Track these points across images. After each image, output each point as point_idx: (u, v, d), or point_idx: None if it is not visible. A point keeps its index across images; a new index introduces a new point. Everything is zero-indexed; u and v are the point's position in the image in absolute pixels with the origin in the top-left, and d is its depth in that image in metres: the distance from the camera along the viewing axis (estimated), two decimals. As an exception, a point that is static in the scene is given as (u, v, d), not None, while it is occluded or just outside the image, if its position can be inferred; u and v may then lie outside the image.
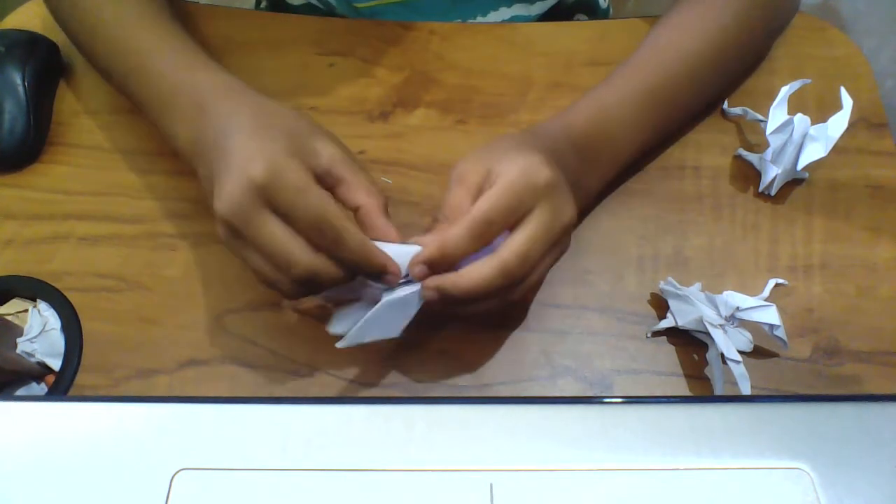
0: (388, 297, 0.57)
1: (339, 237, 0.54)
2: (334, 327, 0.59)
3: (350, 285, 0.58)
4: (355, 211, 0.58)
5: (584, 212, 0.72)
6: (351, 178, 0.58)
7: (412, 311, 0.59)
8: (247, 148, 0.55)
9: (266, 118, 0.58)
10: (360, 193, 0.58)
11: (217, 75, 0.66)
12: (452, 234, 0.55)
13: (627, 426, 0.42)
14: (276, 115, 0.59)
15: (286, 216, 0.54)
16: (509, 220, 0.56)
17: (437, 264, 0.56)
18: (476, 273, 0.55)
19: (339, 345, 0.58)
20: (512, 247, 0.55)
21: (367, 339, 0.59)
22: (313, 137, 0.58)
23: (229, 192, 0.54)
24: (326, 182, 0.58)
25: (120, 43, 0.69)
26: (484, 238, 0.55)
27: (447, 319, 0.67)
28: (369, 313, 0.57)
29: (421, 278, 0.56)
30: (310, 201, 0.54)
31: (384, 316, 0.58)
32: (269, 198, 0.53)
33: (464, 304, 0.57)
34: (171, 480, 0.40)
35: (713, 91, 0.77)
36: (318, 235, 0.54)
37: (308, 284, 0.56)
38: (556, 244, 0.58)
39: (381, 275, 0.56)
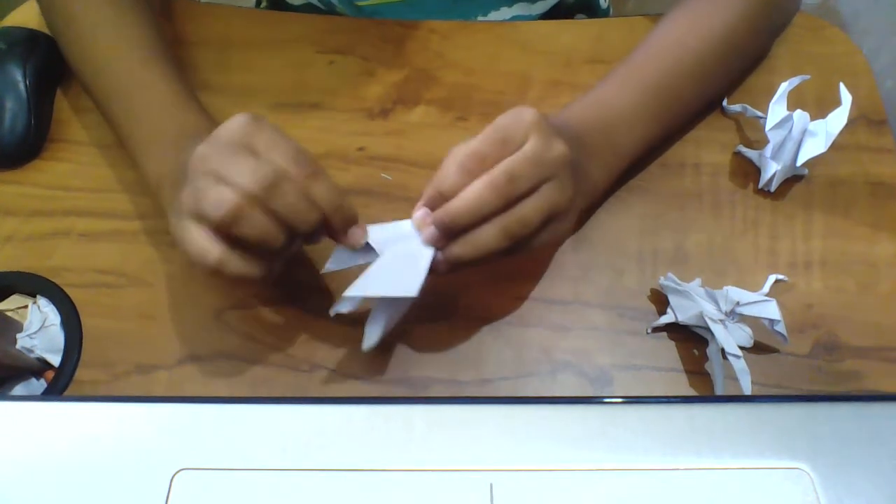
0: (391, 247, 0.58)
1: (317, 168, 0.56)
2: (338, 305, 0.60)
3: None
4: None
5: (591, 207, 0.72)
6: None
7: (423, 263, 0.58)
8: None
9: None
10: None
11: (200, 118, 0.69)
12: (443, 169, 0.57)
13: (627, 426, 0.42)
14: None
15: (269, 150, 0.55)
16: (499, 154, 0.56)
17: (435, 201, 0.57)
18: (466, 192, 0.55)
19: (346, 293, 0.57)
20: (500, 165, 0.55)
21: (375, 291, 0.58)
22: None
23: (219, 127, 0.56)
24: None
25: (109, 72, 0.71)
26: (474, 171, 0.56)
27: (448, 314, 0.68)
28: (374, 262, 0.58)
29: (422, 223, 0.58)
30: (289, 138, 0.56)
31: (392, 267, 0.58)
32: (255, 131, 0.55)
33: (464, 238, 0.57)
34: (171, 480, 0.40)
35: (716, 88, 0.77)
36: (298, 164, 0.55)
37: (292, 215, 0.55)
38: (551, 179, 0.57)
39: (349, 224, 0.58)
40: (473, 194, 0.55)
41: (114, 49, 0.71)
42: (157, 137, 0.67)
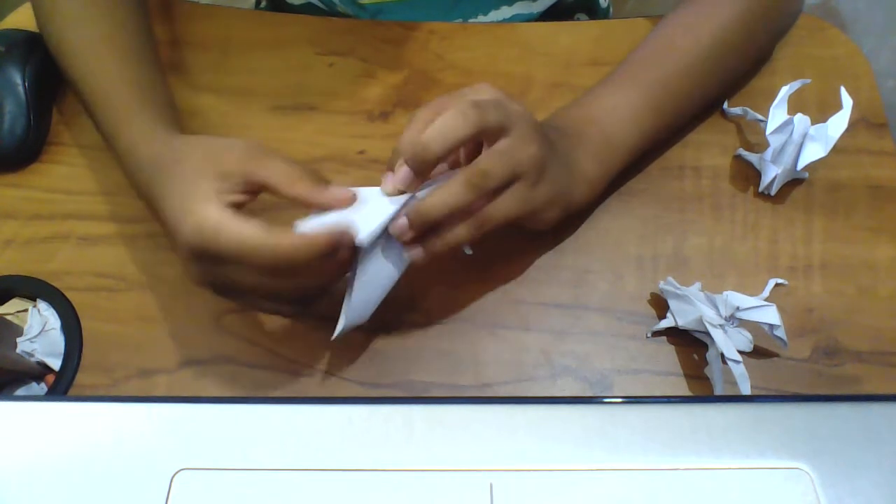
0: (364, 267, 0.58)
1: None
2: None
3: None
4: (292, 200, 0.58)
5: (587, 203, 0.71)
6: (266, 178, 0.58)
7: (394, 276, 0.61)
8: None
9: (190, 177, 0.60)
10: (282, 186, 0.58)
11: (164, 142, 0.68)
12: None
13: (627, 426, 0.42)
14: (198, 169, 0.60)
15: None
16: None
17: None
18: (440, 190, 0.57)
19: (337, 332, 0.60)
20: (474, 163, 0.58)
21: (361, 318, 0.61)
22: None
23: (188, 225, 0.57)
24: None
25: (97, 90, 0.71)
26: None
27: (447, 318, 0.67)
28: (352, 289, 0.59)
29: (392, 192, 0.58)
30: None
31: (367, 290, 0.60)
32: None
33: (435, 231, 0.59)
34: (171, 480, 0.40)
35: (714, 89, 0.76)
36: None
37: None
38: (524, 176, 0.59)
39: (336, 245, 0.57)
40: (448, 190, 0.57)
41: (98, 58, 0.71)
42: (158, 155, 0.66)
